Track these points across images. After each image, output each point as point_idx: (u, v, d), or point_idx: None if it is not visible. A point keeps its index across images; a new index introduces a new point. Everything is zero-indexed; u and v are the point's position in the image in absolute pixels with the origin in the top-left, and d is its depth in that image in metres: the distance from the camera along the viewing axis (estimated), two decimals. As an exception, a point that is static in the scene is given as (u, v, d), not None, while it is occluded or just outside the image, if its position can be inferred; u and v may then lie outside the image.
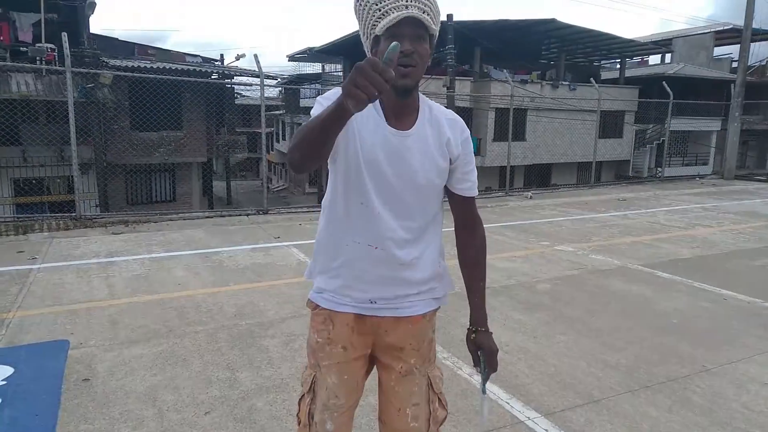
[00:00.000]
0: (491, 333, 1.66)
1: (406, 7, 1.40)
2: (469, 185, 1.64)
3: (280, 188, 36.35)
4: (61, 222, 7.20)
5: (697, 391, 3.02)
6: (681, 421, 2.72)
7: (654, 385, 3.08)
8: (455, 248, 1.70)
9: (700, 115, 24.32)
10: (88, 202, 13.70)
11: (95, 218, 7.61)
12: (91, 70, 11.70)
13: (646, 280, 5.13)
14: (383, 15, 1.41)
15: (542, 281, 5.06)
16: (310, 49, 26.56)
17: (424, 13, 1.42)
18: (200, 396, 2.90)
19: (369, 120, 1.53)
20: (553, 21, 20.18)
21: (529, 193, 10.92)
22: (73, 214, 7.42)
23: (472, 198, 1.66)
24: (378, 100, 1.52)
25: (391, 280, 1.57)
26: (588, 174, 22.38)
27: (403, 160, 1.52)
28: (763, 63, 29.43)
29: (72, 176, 7.50)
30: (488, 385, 1.70)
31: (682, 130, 23.94)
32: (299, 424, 1.67)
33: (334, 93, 1.51)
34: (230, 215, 8.35)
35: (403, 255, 1.56)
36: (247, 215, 8.35)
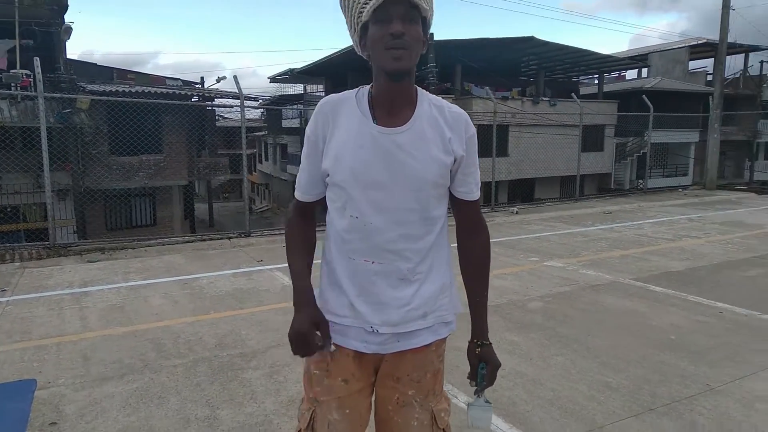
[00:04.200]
0: (492, 345, 1.54)
1: None
2: (471, 188, 1.50)
3: (264, 209, 36.05)
4: (33, 251, 6.92)
5: (703, 412, 2.88)
6: (690, 447, 2.57)
7: (658, 408, 2.93)
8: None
9: (678, 128, 24.64)
10: (65, 229, 13.36)
11: (70, 246, 7.34)
12: (65, 95, 11.45)
13: (639, 295, 5.02)
14: (368, 0, 1.30)
15: (534, 299, 4.92)
16: (292, 71, 26.52)
17: None
18: (177, 437, 2.69)
19: (352, 122, 1.40)
20: (531, 39, 20.38)
21: (515, 209, 10.84)
22: (47, 242, 7.15)
23: (475, 202, 1.52)
24: (366, 96, 1.43)
25: (394, 300, 1.41)
26: (571, 187, 22.47)
27: (395, 160, 1.37)
28: (737, 75, 30.09)
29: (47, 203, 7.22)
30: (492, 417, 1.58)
31: (661, 143, 24.22)
32: None
33: (314, 121, 1.46)
34: (211, 239, 8.12)
35: (405, 268, 1.41)
36: (229, 238, 8.13)
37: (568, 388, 3.17)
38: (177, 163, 17.31)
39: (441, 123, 1.43)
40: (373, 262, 1.40)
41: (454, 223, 1.58)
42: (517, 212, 10.49)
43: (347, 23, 1.42)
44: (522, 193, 23.17)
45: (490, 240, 1.58)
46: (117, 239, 7.95)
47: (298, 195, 1.53)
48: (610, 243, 7.51)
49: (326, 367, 1.46)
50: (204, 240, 8.00)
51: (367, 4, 1.31)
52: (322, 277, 1.52)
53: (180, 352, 3.75)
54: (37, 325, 4.33)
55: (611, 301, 4.87)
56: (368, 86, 1.46)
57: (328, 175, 1.42)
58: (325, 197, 1.50)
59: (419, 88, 1.46)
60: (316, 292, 1.50)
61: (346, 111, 1.42)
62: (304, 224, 1.53)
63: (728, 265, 6.11)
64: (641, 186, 19.52)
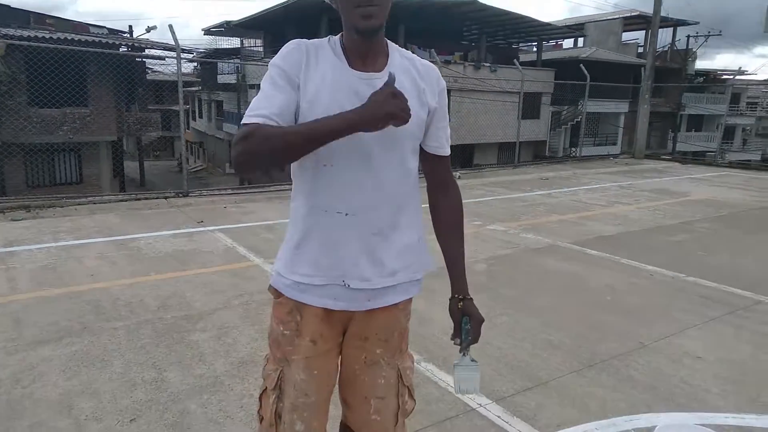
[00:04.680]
0: (473, 300, 1.53)
1: None
2: (442, 142, 1.50)
3: (198, 168, 34.88)
4: (-52, 208, 6.40)
5: (638, 368, 3.06)
6: (627, 399, 2.73)
7: (597, 364, 3.10)
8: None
9: (610, 98, 25.55)
10: (-20, 186, 12.45)
11: (-10, 203, 6.84)
12: (-21, 38, 10.48)
13: (576, 258, 5.24)
14: None
15: (479, 261, 5.04)
16: (228, 23, 25.36)
17: None
18: (123, 401, 2.60)
19: (326, 66, 1.33)
20: (474, 2, 20.37)
21: (458, 173, 10.99)
22: (-36, 198, 6.63)
23: (447, 157, 1.53)
24: (338, 44, 1.36)
25: (366, 253, 1.38)
26: (508, 154, 22.98)
27: None
28: (665, 49, 31.36)
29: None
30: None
31: (593, 112, 25.08)
32: (261, 422, 1.49)
33: (288, 55, 1.33)
34: (147, 198, 7.77)
35: (379, 220, 1.38)
36: (166, 198, 7.81)
37: (513, 347, 3.29)
38: (104, 117, 16.34)
39: (414, 73, 1.41)
40: (346, 214, 1.36)
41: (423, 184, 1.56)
42: (459, 177, 10.64)
43: None
44: (462, 159, 23.51)
45: None
46: (43, 196, 7.47)
47: (260, 119, 1.25)
48: (548, 208, 7.77)
49: (296, 327, 1.43)
50: (139, 199, 7.65)
51: None
52: (290, 239, 1.45)
53: (121, 315, 3.60)
54: (-42, 286, 4.04)
55: (551, 263, 5.06)
56: (338, 35, 1.39)
57: (301, 119, 1.32)
58: None
59: (389, 41, 1.42)
60: (283, 254, 1.45)
61: (322, 54, 1.35)
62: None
63: (656, 230, 6.47)
64: (574, 154, 20.23)
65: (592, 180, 10.84)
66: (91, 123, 15.99)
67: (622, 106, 28.35)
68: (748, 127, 39.79)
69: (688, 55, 32.14)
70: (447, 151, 1.52)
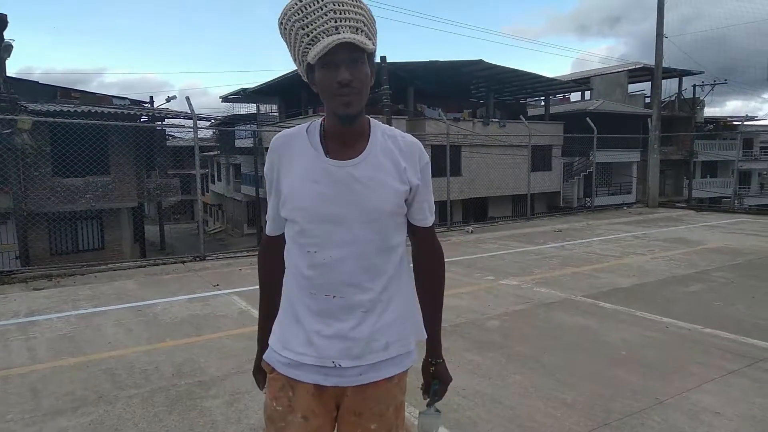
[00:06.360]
0: (445, 362, 1.63)
1: (337, 29, 1.28)
2: (426, 215, 1.54)
3: (217, 230, 35.38)
4: (-27, 279, 6.59)
5: (654, 426, 3.01)
6: (643, 459, 2.68)
7: (613, 422, 3.05)
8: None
9: (620, 148, 25.75)
10: (7, 255, 12.78)
11: (14, 273, 7.03)
12: (7, 116, 11.03)
13: (590, 312, 5.21)
14: (312, 41, 1.30)
15: (491, 318, 5.03)
16: (244, 90, 26.39)
17: (358, 31, 1.30)
18: (136, 472, 2.62)
19: (304, 158, 1.42)
20: (480, 62, 21.02)
21: (470, 228, 11.06)
22: (-12, 269, 6.83)
23: (430, 227, 1.57)
24: (317, 130, 1.45)
25: (356, 333, 1.40)
26: (522, 206, 23.07)
27: (351, 192, 1.38)
28: (672, 98, 31.74)
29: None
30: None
31: (605, 162, 25.23)
32: None
33: (268, 161, 1.51)
34: (164, 263, 7.93)
35: (366, 299, 1.41)
36: (183, 262, 7.96)
37: (526, 406, 3.26)
38: (125, 184, 16.87)
39: (395, 153, 1.45)
40: (334, 297, 1.40)
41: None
42: (471, 231, 10.70)
43: (291, 54, 1.39)
44: (475, 211, 23.62)
45: (447, 259, 1.65)
46: (65, 265, 7.66)
47: (266, 230, 1.61)
48: (561, 261, 7.75)
49: (288, 403, 1.43)
50: (157, 264, 7.81)
51: (310, 45, 1.30)
52: (282, 311, 1.50)
53: (136, 383, 3.65)
54: (-20, 358, 4.13)
55: (564, 318, 5.03)
56: (320, 119, 1.47)
57: (284, 212, 1.44)
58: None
59: (371, 119, 1.48)
60: (276, 328, 1.51)
61: (298, 147, 1.43)
62: (272, 259, 1.58)
63: (672, 281, 6.42)
64: (588, 204, 20.23)
65: (606, 230, 10.82)
66: (113, 190, 16.49)
67: (634, 156, 28.51)
68: (765, 172, 39.58)
69: (695, 103, 32.46)
70: (430, 222, 1.55)
